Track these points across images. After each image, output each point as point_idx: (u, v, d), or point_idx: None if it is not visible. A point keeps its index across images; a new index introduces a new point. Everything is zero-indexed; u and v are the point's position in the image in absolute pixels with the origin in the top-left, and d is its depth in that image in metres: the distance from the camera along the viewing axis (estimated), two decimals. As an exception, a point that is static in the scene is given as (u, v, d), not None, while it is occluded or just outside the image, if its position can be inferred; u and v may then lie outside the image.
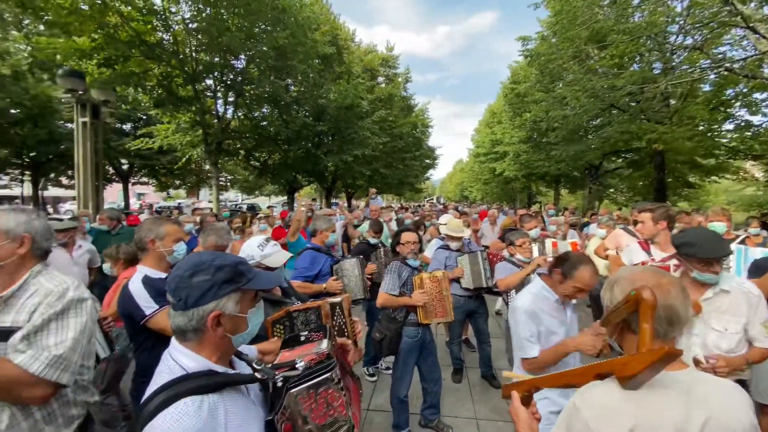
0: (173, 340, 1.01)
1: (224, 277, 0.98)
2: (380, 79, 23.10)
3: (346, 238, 6.07)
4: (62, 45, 10.09)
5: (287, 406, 0.99)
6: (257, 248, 1.89)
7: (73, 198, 10.30)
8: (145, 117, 16.78)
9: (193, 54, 11.91)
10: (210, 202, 17.97)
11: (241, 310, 1.01)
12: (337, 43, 18.53)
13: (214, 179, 14.02)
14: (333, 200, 24.77)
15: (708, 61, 9.72)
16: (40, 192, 18.41)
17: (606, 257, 4.13)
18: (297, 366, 1.03)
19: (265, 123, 16.10)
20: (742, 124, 12.45)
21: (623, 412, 0.87)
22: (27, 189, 18.71)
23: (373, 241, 4.14)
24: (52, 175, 19.23)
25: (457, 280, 3.70)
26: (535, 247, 3.89)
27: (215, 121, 13.94)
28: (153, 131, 14.62)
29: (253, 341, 1.68)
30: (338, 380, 1.03)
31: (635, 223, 3.74)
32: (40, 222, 1.42)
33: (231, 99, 14.17)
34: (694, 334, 1.98)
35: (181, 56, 11.53)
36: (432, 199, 33.57)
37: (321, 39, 15.87)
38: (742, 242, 3.47)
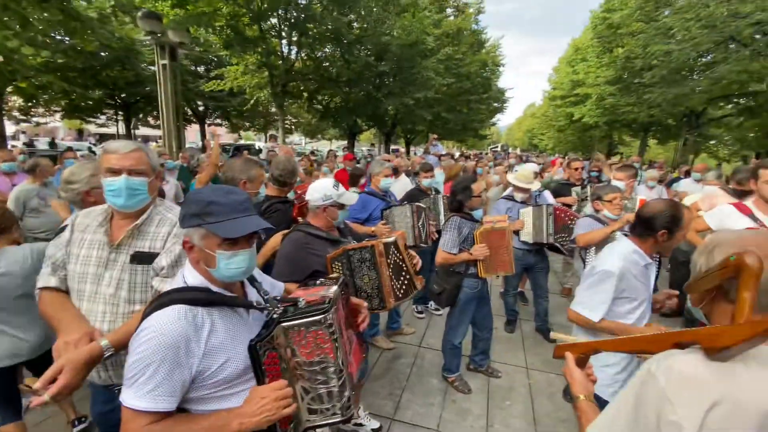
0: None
1: (192, 211, 1.04)
2: (449, 10, 21.12)
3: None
4: (139, -14, 10.49)
5: (275, 335, 1.07)
6: (333, 188, 1.93)
7: (159, 137, 11.37)
8: (216, 60, 17.41)
9: (258, -10, 11.78)
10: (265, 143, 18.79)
11: (207, 246, 1.04)
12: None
13: (280, 122, 14.56)
14: (392, 146, 24.49)
15: None
16: (132, 131, 20.61)
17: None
18: (299, 302, 1.12)
19: (327, 64, 15.89)
20: None
21: (707, 384, 0.78)
22: (121, 128, 21.00)
23: (426, 182, 4.02)
24: (141, 116, 21.19)
25: (516, 233, 3.56)
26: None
27: (280, 62, 14.06)
28: (223, 73, 15.19)
29: (313, 276, 1.79)
30: (329, 324, 1.07)
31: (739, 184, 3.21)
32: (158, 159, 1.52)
33: (294, 38, 14.07)
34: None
35: (246, -7, 11.47)
36: (496, 147, 31.60)
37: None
38: None
